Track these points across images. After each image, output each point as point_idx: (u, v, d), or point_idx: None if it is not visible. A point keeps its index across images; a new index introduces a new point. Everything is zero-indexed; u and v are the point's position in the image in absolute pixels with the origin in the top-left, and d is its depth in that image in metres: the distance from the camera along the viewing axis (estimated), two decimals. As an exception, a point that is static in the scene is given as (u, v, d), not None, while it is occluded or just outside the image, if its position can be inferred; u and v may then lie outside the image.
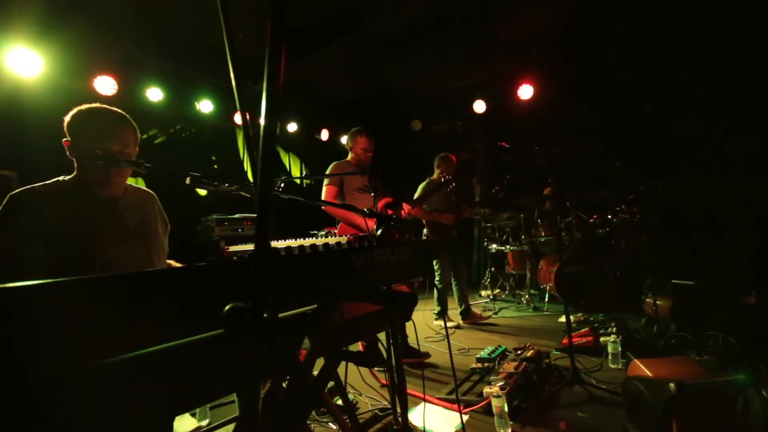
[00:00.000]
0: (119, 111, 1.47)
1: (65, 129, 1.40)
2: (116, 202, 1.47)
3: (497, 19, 4.23)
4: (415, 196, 4.03)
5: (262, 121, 0.52)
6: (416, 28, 4.27)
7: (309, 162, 6.75)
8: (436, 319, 4.16)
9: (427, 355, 3.10)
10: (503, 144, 4.01)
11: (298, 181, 5.64)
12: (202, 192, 5.10)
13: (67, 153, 1.41)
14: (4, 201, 1.27)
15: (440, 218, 4.00)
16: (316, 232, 4.75)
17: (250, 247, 1.43)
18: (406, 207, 3.06)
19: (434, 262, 3.95)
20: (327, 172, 3.02)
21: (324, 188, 2.94)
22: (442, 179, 3.83)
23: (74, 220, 1.33)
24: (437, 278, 4.09)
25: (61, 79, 3.87)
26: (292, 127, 5.95)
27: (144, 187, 1.65)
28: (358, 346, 2.85)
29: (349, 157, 3.19)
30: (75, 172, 1.42)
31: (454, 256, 4.16)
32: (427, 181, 4.14)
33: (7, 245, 1.24)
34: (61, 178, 1.41)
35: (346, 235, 1.67)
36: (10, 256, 1.23)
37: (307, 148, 6.65)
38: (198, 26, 3.87)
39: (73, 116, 1.40)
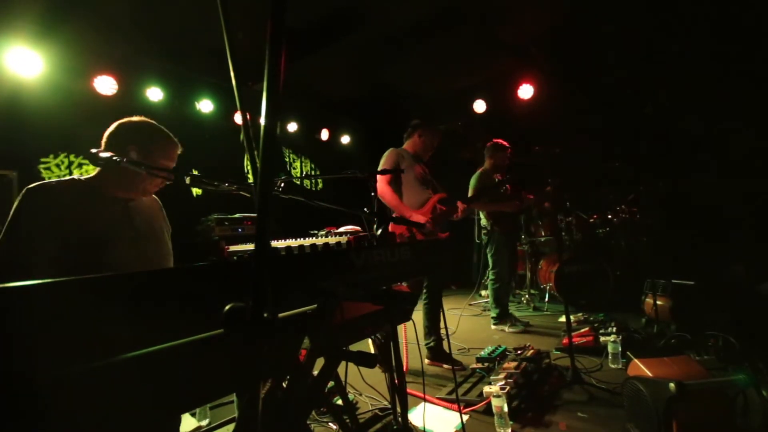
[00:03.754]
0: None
1: (124, 134, 1.44)
2: (127, 204, 1.49)
3: (497, 19, 4.23)
4: (470, 191, 3.85)
5: (262, 121, 0.52)
6: (416, 28, 4.26)
7: (307, 162, 6.75)
8: (495, 324, 3.87)
9: (460, 364, 2.85)
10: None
11: (307, 182, 5.63)
12: (197, 190, 5.10)
13: (112, 153, 1.38)
14: (21, 194, 1.27)
15: (503, 207, 3.76)
16: (316, 232, 4.74)
17: (250, 247, 1.44)
18: (460, 205, 2.92)
19: (490, 257, 3.90)
20: (383, 158, 2.96)
21: (382, 175, 2.81)
22: (496, 180, 3.57)
23: (88, 219, 1.34)
24: (492, 275, 3.84)
25: (61, 79, 3.87)
26: (292, 127, 5.95)
27: None
28: (361, 346, 2.84)
29: (407, 144, 3.13)
30: (98, 174, 1.44)
31: (512, 252, 3.96)
32: (478, 174, 3.93)
33: (21, 242, 1.23)
34: (76, 176, 1.42)
35: (347, 234, 1.66)
36: (24, 250, 1.22)
37: (307, 148, 6.66)
38: (198, 26, 3.87)
39: (140, 126, 1.48)
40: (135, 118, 1.51)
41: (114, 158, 1.25)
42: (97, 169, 1.43)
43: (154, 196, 1.68)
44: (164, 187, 1.57)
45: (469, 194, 3.91)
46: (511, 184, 3.89)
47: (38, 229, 1.24)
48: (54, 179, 1.37)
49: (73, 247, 1.27)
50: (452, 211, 2.89)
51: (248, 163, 5.64)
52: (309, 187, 6.49)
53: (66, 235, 1.26)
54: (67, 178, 1.41)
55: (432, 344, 2.99)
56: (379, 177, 2.78)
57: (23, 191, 1.27)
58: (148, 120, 1.54)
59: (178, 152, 1.58)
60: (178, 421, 1.39)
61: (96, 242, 1.33)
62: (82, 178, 1.43)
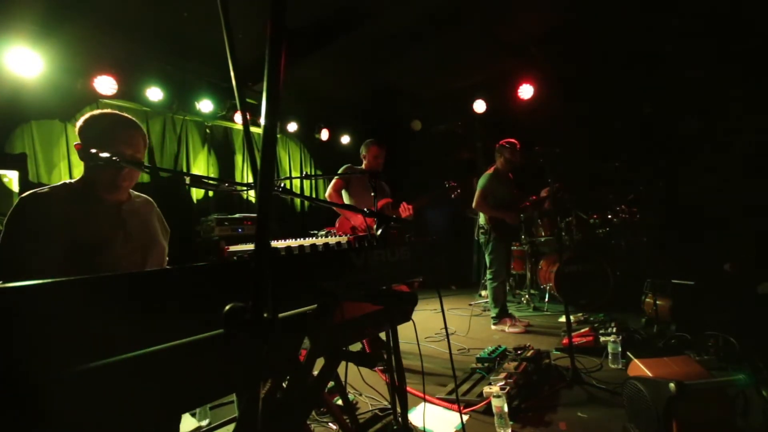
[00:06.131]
0: (129, 117, 1.51)
1: (77, 133, 1.42)
2: (120, 207, 1.48)
3: (497, 19, 4.23)
4: (477, 192, 3.89)
5: (262, 121, 0.52)
6: (416, 27, 4.26)
7: (308, 162, 6.76)
8: (495, 324, 3.91)
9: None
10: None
11: (304, 182, 5.62)
12: (200, 192, 5.10)
13: (78, 156, 1.43)
14: (16, 203, 1.29)
15: (505, 216, 3.88)
16: (316, 232, 4.75)
17: (250, 247, 1.43)
18: (404, 206, 3.15)
19: (488, 256, 3.96)
20: (339, 171, 3.30)
21: (333, 180, 3.23)
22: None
23: (80, 225, 1.34)
24: (490, 274, 3.91)
25: (61, 79, 3.87)
26: (292, 127, 5.94)
27: (142, 194, 1.68)
28: (360, 346, 2.85)
29: (363, 165, 3.41)
30: (83, 176, 1.44)
31: (509, 253, 4.10)
32: (488, 174, 3.95)
33: (15, 248, 1.25)
34: (68, 181, 1.43)
35: (344, 234, 1.66)
36: (18, 258, 1.24)
37: (307, 148, 6.67)
38: (198, 26, 3.87)
39: (86, 120, 1.43)
40: (87, 113, 1.45)
41: (113, 158, 1.25)
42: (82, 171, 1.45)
43: (148, 197, 1.67)
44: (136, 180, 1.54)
45: (476, 194, 3.92)
46: (518, 189, 3.91)
47: (34, 237, 1.26)
48: (47, 186, 1.39)
49: (67, 252, 1.28)
50: (398, 212, 3.17)
51: (243, 164, 5.65)
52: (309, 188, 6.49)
53: (60, 241, 1.28)
54: (60, 183, 1.42)
55: None
56: (329, 185, 3.23)
57: (17, 200, 1.30)
58: (99, 111, 1.46)
59: (137, 134, 1.47)
60: (178, 421, 1.39)
61: (89, 247, 1.34)
62: (73, 182, 1.44)
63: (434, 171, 4.49)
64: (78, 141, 1.41)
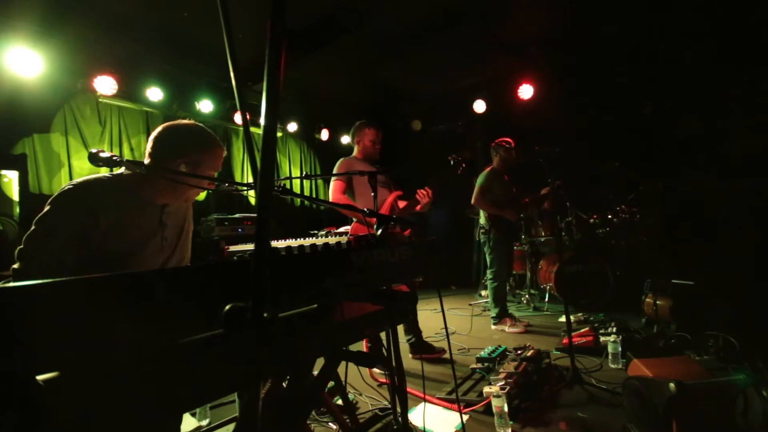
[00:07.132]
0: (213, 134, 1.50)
1: (158, 139, 1.38)
2: (163, 210, 1.44)
3: (497, 19, 4.23)
4: (475, 189, 3.87)
5: (262, 121, 0.52)
6: (416, 27, 4.27)
7: (308, 162, 6.75)
8: (495, 324, 3.87)
9: (442, 350, 3.05)
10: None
11: (304, 182, 5.62)
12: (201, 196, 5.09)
13: (149, 157, 1.37)
14: (60, 191, 1.22)
15: (504, 213, 3.83)
16: (316, 232, 4.74)
17: (250, 247, 1.43)
18: (420, 193, 2.83)
19: (488, 256, 3.94)
20: (334, 170, 2.92)
21: (332, 183, 2.88)
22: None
23: (122, 228, 1.30)
24: (490, 274, 3.87)
25: (61, 79, 3.87)
26: (292, 127, 5.94)
27: None
28: (361, 346, 2.84)
29: (355, 151, 3.06)
30: (142, 175, 1.36)
31: (510, 253, 4.07)
32: (486, 173, 3.93)
33: (52, 241, 1.18)
34: (121, 171, 1.35)
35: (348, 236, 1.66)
36: (54, 252, 1.18)
37: (307, 148, 6.67)
38: (198, 26, 3.87)
39: (191, 136, 1.41)
40: (184, 123, 1.44)
41: (113, 157, 1.23)
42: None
43: None
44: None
45: (475, 190, 3.90)
46: (516, 189, 3.90)
47: (67, 236, 1.19)
48: (97, 176, 1.30)
49: (101, 253, 1.24)
50: (414, 203, 2.83)
51: (243, 163, 5.65)
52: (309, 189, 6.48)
53: (96, 242, 1.24)
54: (113, 174, 1.34)
55: (412, 340, 3.04)
56: (331, 188, 2.85)
57: (64, 188, 1.23)
58: (198, 125, 1.46)
59: (221, 157, 1.51)
60: (179, 421, 1.38)
61: (123, 251, 1.31)
62: (125, 174, 1.36)
63: (434, 171, 4.47)
64: (164, 145, 1.37)
